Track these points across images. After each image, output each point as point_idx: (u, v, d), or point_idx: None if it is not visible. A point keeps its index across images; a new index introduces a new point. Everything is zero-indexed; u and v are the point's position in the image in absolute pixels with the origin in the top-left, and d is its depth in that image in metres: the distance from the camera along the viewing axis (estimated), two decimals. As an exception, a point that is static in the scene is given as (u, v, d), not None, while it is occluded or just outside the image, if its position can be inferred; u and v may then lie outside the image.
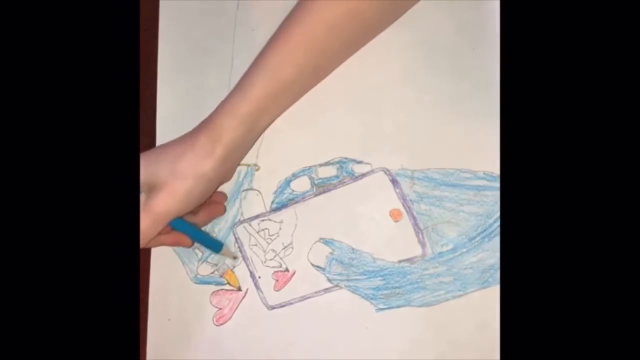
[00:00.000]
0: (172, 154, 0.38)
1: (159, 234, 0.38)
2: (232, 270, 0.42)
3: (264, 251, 0.42)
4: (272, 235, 0.42)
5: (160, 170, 0.37)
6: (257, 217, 0.43)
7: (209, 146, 0.38)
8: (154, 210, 0.37)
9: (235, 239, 0.43)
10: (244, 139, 0.39)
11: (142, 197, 0.38)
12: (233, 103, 0.38)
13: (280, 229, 0.42)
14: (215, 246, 0.42)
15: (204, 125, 0.39)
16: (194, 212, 0.40)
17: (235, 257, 0.42)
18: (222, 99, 0.40)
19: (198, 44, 0.46)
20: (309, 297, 0.41)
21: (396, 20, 0.41)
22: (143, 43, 0.46)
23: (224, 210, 0.43)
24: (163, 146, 0.39)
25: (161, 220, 0.37)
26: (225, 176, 0.41)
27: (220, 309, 0.42)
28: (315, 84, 0.41)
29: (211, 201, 0.42)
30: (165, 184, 0.37)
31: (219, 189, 0.43)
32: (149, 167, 0.37)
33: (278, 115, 0.41)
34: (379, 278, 0.40)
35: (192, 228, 0.40)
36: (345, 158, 0.42)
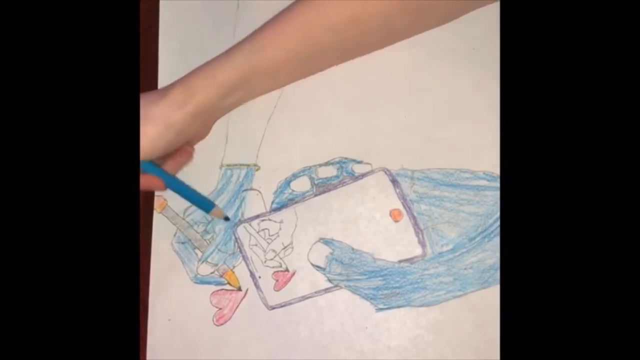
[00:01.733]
0: (146, 99, 0.38)
1: None
2: (232, 270, 0.42)
3: (264, 251, 0.42)
4: (272, 235, 0.42)
5: None
6: (257, 217, 0.43)
7: (181, 99, 0.38)
8: None
9: (236, 239, 0.43)
10: (216, 103, 0.39)
11: None
12: (214, 67, 0.38)
13: (280, 229, 0.42)
14: (206, 204, 0.42)
15: (182, 80, 0.39)
16: (162, 160, 0.40)
17: (227, 218, 0.42)
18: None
19: (198, 44, 0.46)
20: (309, 297, 0.41)
21: (400, 40, 0.41)
22: (143, 43, 0.46)
23: (192, 157, 0.43)
24: (142, 94, 0.39)
25: None
26: (197, 133, 0.41)
27: (220, 309, 0.42)
28: (303, 76, 0.41)
29: (179, 149, 0.41)
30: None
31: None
32: None
33: (259, 94, 0.41)
34: (379, 278, 0.40)
35: (170, 177, 0.40)
36: (345, 158, 0.42)
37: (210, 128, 0.42)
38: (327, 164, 0.42)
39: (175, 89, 0.38)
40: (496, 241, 0.39)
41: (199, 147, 0.43)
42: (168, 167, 0.41)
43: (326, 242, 0.41)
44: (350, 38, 0.38)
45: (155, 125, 0.37)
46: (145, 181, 0.40)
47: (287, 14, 0.38)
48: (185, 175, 0.43)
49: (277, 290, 0.42)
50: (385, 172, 0.41)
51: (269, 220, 0.42)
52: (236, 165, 0.43)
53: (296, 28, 0.38)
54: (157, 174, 0.40)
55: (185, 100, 0.38)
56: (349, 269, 0.41)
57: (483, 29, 0.42)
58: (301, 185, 0.42)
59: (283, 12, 0.38)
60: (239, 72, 0.38)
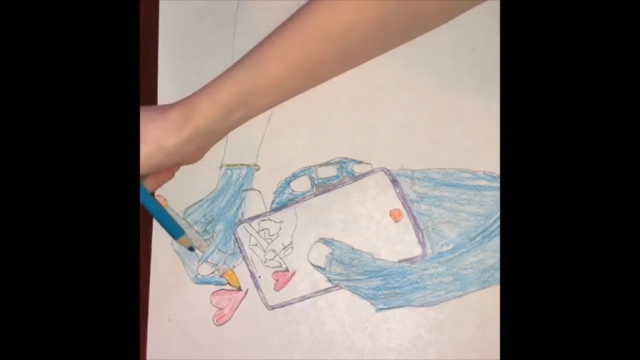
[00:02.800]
0: (144, 116, 0.37)
1: None
2: (232, 270, 0.42)
3: (264, 251, 0.42)
4: (272, 235, 0.42)
5: None
6: (257, 217, 0.43)
7: (177, 122, 0.37)
8: None
9: (236, 239, 0.43)
10: (215, 125, 0.38)
11: None
12: (215, 87, 0.38)
13: (280, 229, 0.42)
14: (175, 231, 0.41)
15: (182, 101, 0.38)
16: (143, 176, 0.40)
17: (191, 249, 0.42)
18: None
19: (198, 44, 0.46)
20: (309, 297, 0.41)
21: (398, 44, 0.40)
22: (143, 43, 0.46)
23: (172, 176, 0.42)
24: (142, 107, 0.39)
25: None
26: (190, 157, 0.40)
27: (220, 309, 0.42)
28: (305, 89, 0.40)
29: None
30: None
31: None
32: None
33: (260, 111, 0.40)
34: (379, 278, 0.40)
35: (146, 195, 0.40)
36: (345, 158, 0.42)
37: (204, 152, 0.41)
38: (327, 164, 0.42)
39: (174, 110, 0.37)
40: (496, 241, 0.39)
41: (199, 147, 0.43)
42: (148, 182, 0.40)
43: (326, 242, 0.41)
44: (349, 46, 0.37)
45: (147, 146, 0.37)
46: None
47: (284, 28, 0.38)
48: (186, 175, 0.43)
49: (277, 290, 0.42)
50: (385, 172, 0.41)
51: (269, 220, 0.42)
52: (236, 165, 0.43)
53: (294, 42, 0.37)
54: (144, 200, 0.39)
55: (183, 123, 0.37)
56: (349, 269, 0.41)
57: (483, 29, 0.42)
58: (301, 185, 0.42)
59: (280, 26, 0.38)
60: (239, 91, 0.37)
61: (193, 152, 0.39)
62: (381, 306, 0.40)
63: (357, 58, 0.40)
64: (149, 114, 0.38)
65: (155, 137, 0.37)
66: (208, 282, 0.43)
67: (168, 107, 0.38)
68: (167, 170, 0.41)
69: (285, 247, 0.42)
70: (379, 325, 0.40)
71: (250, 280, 0.42)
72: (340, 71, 0.40)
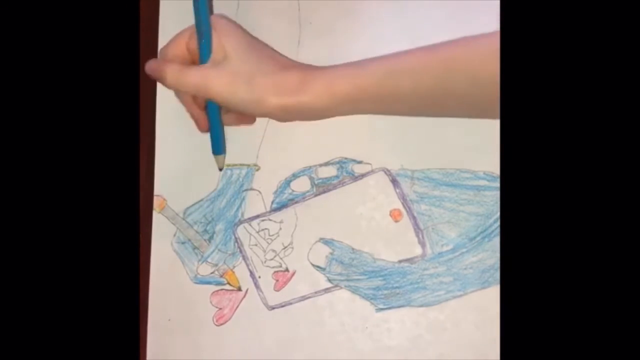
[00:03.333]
0: (259, 68, 0.37)
1: (193, 100, 0.39)
2: (232, 270, 0.42)
3: (264, 251, 0.42)
4: (272, 235, 0.42)
5: (251, 59, 0.37)
6: (257, 217, 0.43)
7: (289, 89, 0.36)
8: (211, 77, 0.37)
9: (236, 239, 0.43)
10: (321, 111, 0.37)
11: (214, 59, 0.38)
12: (336, 76, 0.36)
13: (280, 229, 0.42)
14: (218, 148, 0.41)
15: (303, 69, 0.37)
16: (229, 108, 0.39)
17: (220, 169, 0.43)
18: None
19: (198, 44, 0.46)
20: (309, 297, 0.41)
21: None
22: (143, 43, 0.45)
23: (254, 121, 0.42)
24: (257, 56, 0.38)
25: (205, 89, 0.37)
26: (281, 119, 0.39)
27: (220, 309, 0.42)
28: (409, 115, 0.39)
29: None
30: (241, 75, 0.36)
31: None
32: (248, 52, 0.37)
33: (365, 113, 0.39)
34: (379, 278, 0.40)
35: (217, 118, 0.40)
36: (345, 158, 0.42)
37: (286, 119, 0.39)
38: (327, 164, 0.42)
39: (293, 74, 0.36)
40: (496, 241, 0.39)
41: (199, 147, 0.43)
42: (229, 116, 0.40)
43: (326, 242, 0.41)
44: (474, 99, 0.35)
45: (252, 93, 0.36)
46: (198, 114, 0.40)
47: (432, 51, 0.36)
48: (186, 175, 0.43)
49: (277, 290, 0.42)
50: (385, 172, 0.41)
51: (269, 220, 0.42)
52: (236, 165, 0.43)
53: (433, 69, 0.35)
54: (212, 113, 0.40)
55: (293, 93, 0.36)
56: (349, 269, 0.41)
57: (483, 29, 0.42)
58: (301, 185, 0.42)
59: (430, 47, 0.36)
60: (359, 91, 0.36)
61: (287, 119, 0.38)
62: (381, 306, 0.40)
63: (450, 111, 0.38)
64: (265, 66, 0.37)
65: (262, 87, 0.36)
66: (208, 282, 0.43)
67: (287, 66, 0.37)
68: (252, 117, 0.42)
69: (285, 247, 0.42)
70: (379, 325, 0.40)
71: (250, 280, 0.42)
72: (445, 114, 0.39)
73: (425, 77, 0.35)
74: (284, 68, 0.37)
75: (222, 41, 0.37)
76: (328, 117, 0.38)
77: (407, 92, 0.36)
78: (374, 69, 0.36)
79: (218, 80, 0.37)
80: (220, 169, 0.42)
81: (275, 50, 0.40)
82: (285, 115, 0.37)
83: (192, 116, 0.41)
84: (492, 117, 0.34)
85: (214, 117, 0.40)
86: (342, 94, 0.36)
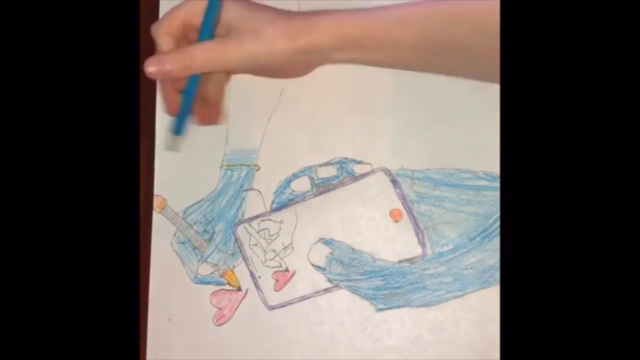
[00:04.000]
0: (262, 17, 0.36)
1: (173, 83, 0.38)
2: (232, 270, 0.42)
3: (264, 251, 0.42)
4: (272, 235, 0.42)
5: (253, 16, 0.36)
6: (257, 217, 0.43)
7: (297, 30, 0.36)
8: (224, 51, 0.36)
9: (236, 239, 0.43)
10: (330, 52, 0.37)
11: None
12: (341, 18, 0.36)
13: (280, 229, 0.42)
14: (182, 129, 0.40)
15: (305, 13, 0.37)
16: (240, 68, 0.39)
17: (173, 150, 0.41)
18: (222, 98, 0.40)
19: (198, 44, 0.46)
20: (309, 297, 0.41)
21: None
22: (143, 43, 0.45)
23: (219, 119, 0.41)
24: (259, 8, 0.37)
25: (222, 63, 0.37)
26: (292, 70, 0.39)
27: (220, 309, 0.42)
28: (419, 70, 0.39)
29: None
30: (248, 32, 0.36)
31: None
32: (249, 12, 0.37)
33: (374, 64, 0.39)
34: (379, 278, 0.40)
35: (190, 102, 0.39)
36: (345, 158, 0.42)
37: (305, 72, 0.40)
38: (327, 164, 0.42)
39: (297, 18, 0.36)
40: (496, 241, 0.39)
41: (199, 148, 0.43)
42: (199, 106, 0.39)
43: (326, 242, 0.41)
44: (488, 49, 0.34)
45: (259, 44, 0.36)
46: (170, 98, 0.39)
47: (445, 2, 0.35)
48: (186, 175, 0.43)
49: (277, 290, 0.42)
50: (385, 172, 0.41)
51: (269, 220, 0.42)
52: (236, 165, 0.43)
53: (439, 18, 0.35)
54: (186, 96, 0.38)
55: (302, 33, 0.36)
56: (349, 269, 0.41)
57: (483, 29, 0.42)
58: (301, 185, 0.42)
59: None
60: (367, 33, 0.36)
61: (298, 65, 0.38)
62: (381, 306, 0.40)
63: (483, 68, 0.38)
64: (268, 15, 0.37)
65: (271, 36, 0.36)
66: (208, 282, 0.43)
67: (291, 14, 0.37)
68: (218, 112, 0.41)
69: (285, 247, 0.42)
70: (379, 325, 0.40)
71: (250, 280, 0.42)
72: (460, 74, 0.39)
73: (430, 25, 0.35)
74: (288, 15, 0.37)
75: (222, 15, 0.37)
76: (337, 61, 0.38)
77: (412, 41, 0.36)
78: (381, 16, 0.36)
79: (231, 48, 0.36)
80: (173, 151, 0.41)
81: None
82: (300, 58, 0.37)
83: (165, 99, 0.40)
84: (494, 78, 0.33)
85: (187, 100, 0.38)
86: (352, 36, 0.36)
